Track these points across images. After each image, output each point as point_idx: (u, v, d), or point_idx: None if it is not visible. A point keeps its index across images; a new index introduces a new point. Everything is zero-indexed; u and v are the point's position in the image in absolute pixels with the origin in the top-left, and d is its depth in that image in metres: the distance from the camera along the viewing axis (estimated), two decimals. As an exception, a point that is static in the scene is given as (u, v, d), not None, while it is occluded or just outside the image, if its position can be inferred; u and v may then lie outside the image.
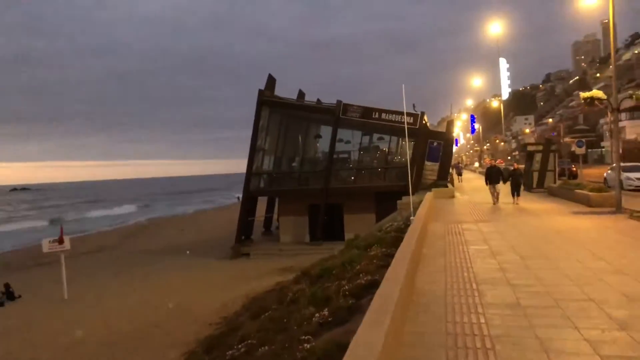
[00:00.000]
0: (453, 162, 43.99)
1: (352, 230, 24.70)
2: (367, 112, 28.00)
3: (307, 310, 10.26)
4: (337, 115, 28.16)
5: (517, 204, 19.68)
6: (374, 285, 10.58)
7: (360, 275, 11.73)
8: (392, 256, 11.96)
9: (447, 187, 26.58)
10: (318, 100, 32.78)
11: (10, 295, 21.85)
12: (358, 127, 29.70)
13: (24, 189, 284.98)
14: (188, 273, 25.29)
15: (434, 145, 30.34)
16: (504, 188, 20.83)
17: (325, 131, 31.19)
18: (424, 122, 28.65)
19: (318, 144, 33.34)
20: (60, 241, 20.95)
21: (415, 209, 16.53)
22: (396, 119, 27.03)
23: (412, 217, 15.36)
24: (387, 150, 31.32)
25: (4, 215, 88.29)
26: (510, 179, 20.72)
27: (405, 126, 18.34)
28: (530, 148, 28.88)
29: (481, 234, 12.55)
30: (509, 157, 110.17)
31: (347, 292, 10.58)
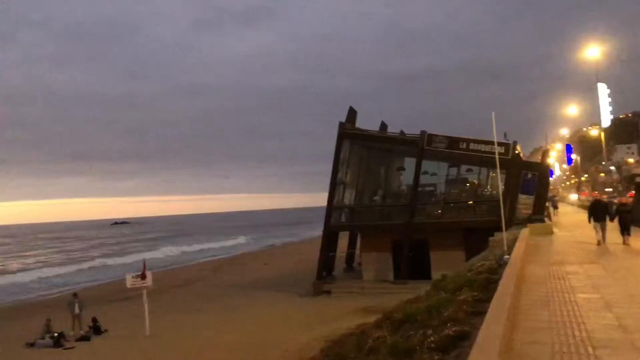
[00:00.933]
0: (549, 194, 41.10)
1: (439, 269, 23.15)
2: (453, 142, 26.53)
3: (386, 364, 9.06)
4: (421, 146, 26.89)
5: (627, 244, 17.17)
6: (462, 338, 9.26)
7: (448, 324, 10.45)
8: (483, 301, 10.55)
9: (544, 222, 24.38)
10: (401, 131, 31.70)
11: (97, 329, 22.12)
12: (444, 159, 28.22)
13: (124, 222, 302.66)
14: (269, 310, 24.68)
15: (528, 177, 28.22)
16: (609, 225, 18.44)
17: (409, 163, 29.96)
18: (516, 151, 26.72)
19: (401, 177, 32.11)
20: (143, 277, 21.02)
21: (509, 246, 14.95)
22: (486, 149, 25.35)
23: (505, 256, 13.82)
24: (476, 182, 29.50)
25: (111, 249, 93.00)
26: (618, 215, 18.19)
27: (497, 156, 16.79)
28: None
29: (589, 279, 10.84)
30: (610, 189, 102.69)
31: (432, 345, 9.36)
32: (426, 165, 29.27)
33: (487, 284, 12.56)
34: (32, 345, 20.26)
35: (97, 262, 62.96)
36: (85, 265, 60.04)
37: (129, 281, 21.20)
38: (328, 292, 27.57)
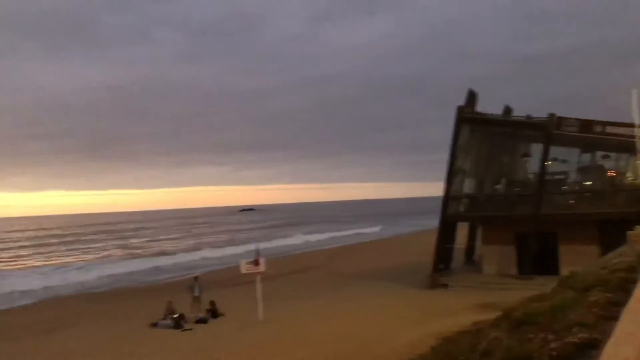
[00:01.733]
0: None
1: (570, 265, 20.99)
2: (586, 125, 23.88)
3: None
4: (549, 130, 24.55)
5: None
6: (590, 346, 8.00)
7: (573, 329, 9.12)
8: (618, 305, 9.08)
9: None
10: (528, 116, 29.24)
11: (214, 313, 22.89)
12: (575, 144, 25.58)
13: (250, 209, 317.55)
14: (382, 300, 24.04)
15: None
16: None
17: (537, 150, 27.57)
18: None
19: (528, 165, 29.71)
20: (256, 263, 21.31)
21: (653, 241, 12.99)
22: (625, 132, 22.50)
23: (649, 253, 11.95)
24: (614, 169, 26.44)
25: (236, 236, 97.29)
26: None
27: (638, 140, 14.62)
28: None
29: None
30: None
31: (553, 353, 8.17)
32: (555, 151, 26.83)
33: (624, 284, 10.92)
34: (155, 325, 21.40)
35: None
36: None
37: (244, 267, 21.61)
38: (445, 286, 26.30)
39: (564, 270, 20.76)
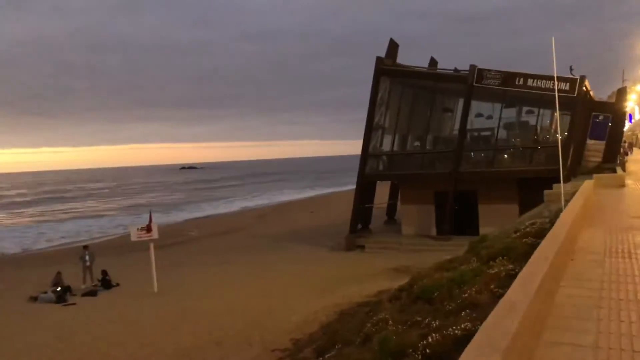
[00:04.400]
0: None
1: (489, 224, 20.17)
2: (508, 78, 22.58)
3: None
4: (470, 82, 23.13)
5: None
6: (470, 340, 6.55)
7: (463, 312, 7.76)
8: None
9: (615, 172, 20.53)
10: (455, 69, 27.73)
11: (106, 283, 20.67)
12: (497, 99, 24.37)
13: (192, 167, 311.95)
14: (294, 267, 22.52)
15: (599, 119, 24.13)
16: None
17: (460, 105, 26.26)
18: (584, 89, 22.55)
19: (451, 121, 28.45)
20: (148, 229, 19.13)
21: (568, 201, 11.79)
22: (547, 86, 21.37)
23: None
24: (536, 126, 25.52)
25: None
26: None
27: (557, 94, 13.08)
28: None
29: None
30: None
31: (427, 350, 6.76)
32: (479, 106, 25.66)
33: (530, 251, 9.69)
34: (35, 299, 19.01)
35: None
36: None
37: (134, 234, 19.37)
38: (362, 247, 25.06)
39: (483, 230, 19.83)
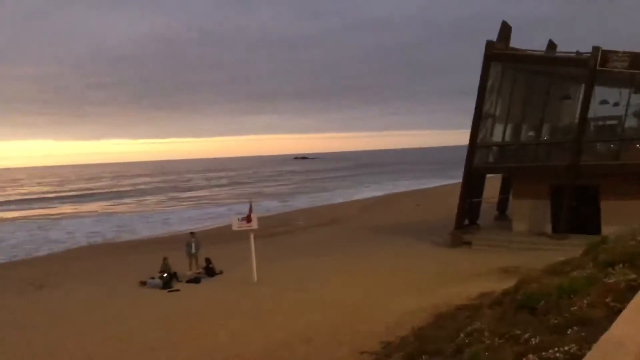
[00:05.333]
0: None
1: (613, 223, 18.07)
2: (638, 59, 20.00)
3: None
4: (592, 66, 20.80)
5: None
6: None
7: (570, 330, 6.82)
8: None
9: None
10: (577, 52, 25.18)
11: (210, 271, 21.28)
12: (625, 83, 21.73)
13: (304, 157, 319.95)
14: (395, 260, 21.82)
15: None
16: None
17: (581, 91, 23.80)
18: None
19: (568, 109, 25.93)
20: (248, 219, 19.34)
21: None
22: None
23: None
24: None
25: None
26: None
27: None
28: None
29: None
30: None
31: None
32: (603, 92, 23.12)
33: (658, 261, 8.36)
34: (144, 284, 20.01)
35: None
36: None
37: (235, 224, 19.71)
38: (468, 244, 23.67)
39: (606, 230, 17.88)
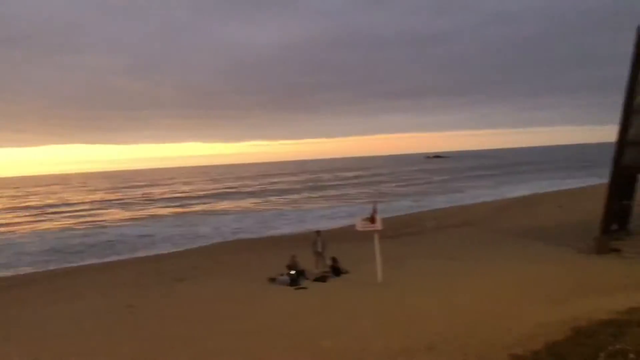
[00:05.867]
0: None
1: None
2: None
3: None
4: None
5: None
6: None
7: None
8: None
9: None
10: None
11: (336, 270, 21.47)
12: None
13: (437, 156, 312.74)
14: (526, 267, 20.39)
15: None
16: None
17: None
18: None
19: None
20: (372, 220, 19.18)
21: None
22: None
23: None
24: None
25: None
26: None
27: None
28: None
29: None
30: None
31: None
32: None
33: None
34: (273, 280, 20.68)
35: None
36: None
37: (359, 224, 19.64)
38: (617, 251, 21.41)
39: None
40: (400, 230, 35.99)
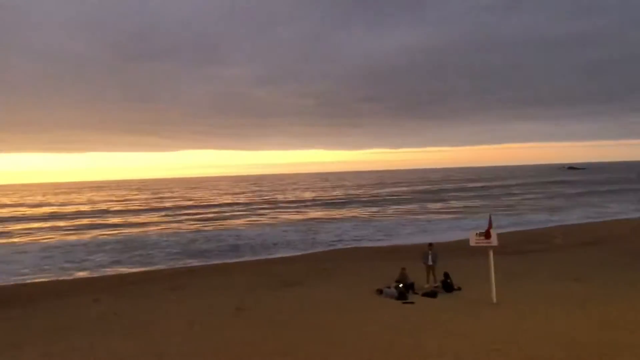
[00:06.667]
0: None
1: None
2: None
3: None
4: None
5: None
6: None
7: None
8: None
9: None
10: None
11: (447, 286, 20.59)
12: None
13: (571, 167, 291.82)
14: None
15: None
16: None
17: None
18: None
19: None
20: (487, 235, 18.11)
21: None
22: None
23: None
24: None
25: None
26: None
27: None
28: None
29: None
30: None
31: None
32: None
33: None
34: (380, 292, 20.31)
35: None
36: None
37: (473, 239, 18.63)
38: None
39: None
40: (525, 246, 33.82)
